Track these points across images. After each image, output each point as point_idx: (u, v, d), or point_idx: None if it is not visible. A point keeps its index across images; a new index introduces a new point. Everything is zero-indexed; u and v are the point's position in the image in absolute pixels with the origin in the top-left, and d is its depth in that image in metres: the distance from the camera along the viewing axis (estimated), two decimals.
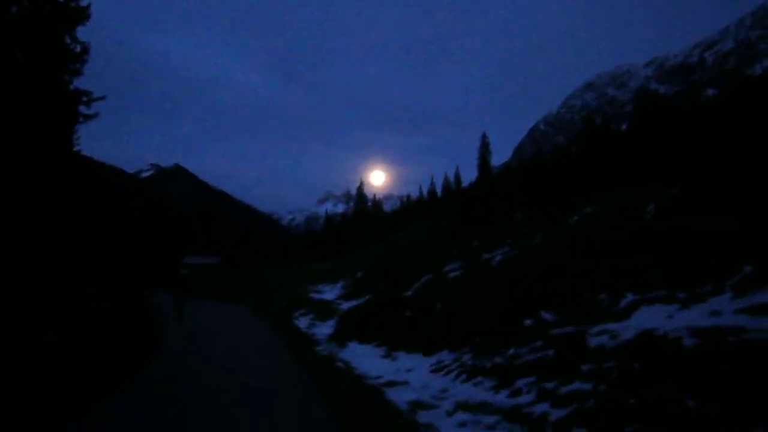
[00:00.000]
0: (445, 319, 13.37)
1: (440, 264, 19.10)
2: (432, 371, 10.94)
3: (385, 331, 14.80)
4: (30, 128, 18.13)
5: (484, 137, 72.52)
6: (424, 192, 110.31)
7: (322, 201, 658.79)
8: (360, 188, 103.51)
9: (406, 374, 11.05)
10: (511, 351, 9.71)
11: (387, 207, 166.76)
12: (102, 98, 22.10)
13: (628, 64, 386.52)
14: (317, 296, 33.76)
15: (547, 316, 10.70)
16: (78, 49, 20.89)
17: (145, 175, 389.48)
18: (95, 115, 22.34)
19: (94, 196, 27.66)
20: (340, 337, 16.25)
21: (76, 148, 22.75)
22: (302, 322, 21.80)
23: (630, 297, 9.89)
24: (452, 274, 15.93)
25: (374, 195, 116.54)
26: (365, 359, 12.91)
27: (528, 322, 10.91)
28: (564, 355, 8.43)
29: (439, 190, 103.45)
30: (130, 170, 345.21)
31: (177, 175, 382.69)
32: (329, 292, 36.26)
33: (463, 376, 9.71)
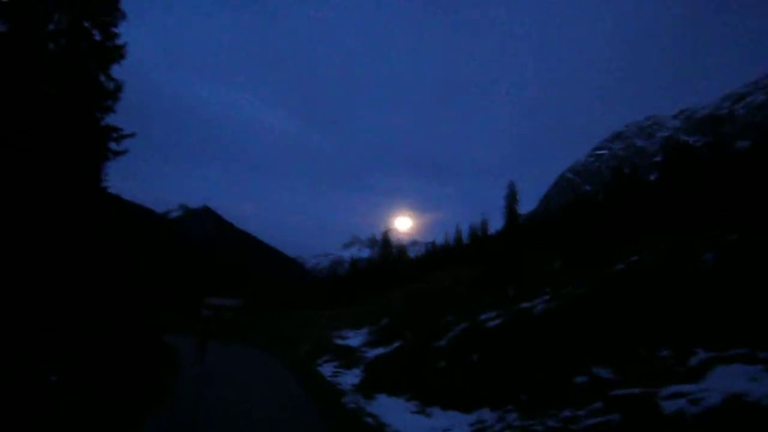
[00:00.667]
0: (483, 373, 12.23)
1: (474, 312, 17.94)
2: None
3: (417, 383, 13.65)
4: (60, 163, 17.89)
5: (511, 185, 71.44)
6: (450, 239, 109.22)
7: (347, 246, 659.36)
8: (386, 234, 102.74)
9: None
10: (566, 413, 8.54)
11: (412, 253, 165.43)
12: (132, 135, 21.89)
13: (656, 116, 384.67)
14: (341, 342, 32.59)
15: (602, 373, 9.54)
16: (112, 86, 20.89)
17: (173, 215, 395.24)
18: (124, 152, 22.10)
19: (117, 234, 27.22)
20: (367, 388, 15.09)
21: (104, 185, 22.57)
22: (326, 370, 20.67)
23: (701, 354, 8.71)
24: (490, 324, 14.77)
25: (400, 241, 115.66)
26: (396, 414, 11.71)
27: (580, 379, 9.75)
28: (633, 421, 7.27)
29: (465, 238, 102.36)
30: (160, 210, 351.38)
31: (204, 216, 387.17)
32: (353, 338, 35.05)
33: None
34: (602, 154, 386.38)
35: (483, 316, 16.20)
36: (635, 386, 8.20)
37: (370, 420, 10.87)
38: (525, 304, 16.43)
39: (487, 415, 10.48)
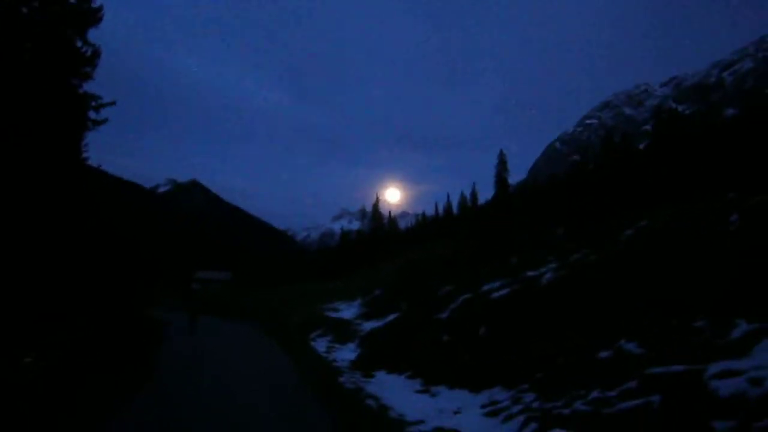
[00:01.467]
0: (492, 348, 11.25)
1: (475, 282, 16.94)
2: (486, 414, 8.75)
3: (419, 359, 12.67)
4: (35, 132, 16.73)
5: (501, 155, 70.88)
6: (440, 210, 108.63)
7: (336, 218, 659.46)
8: (376, 205, 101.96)
9: (454, 418, 8.86)
10: (595, 394, 7.53)
11: (402, 225, 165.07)
12: (112, 103, 20.82)
13: (645, 84, 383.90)
14: (334, 315, 31.72)
15: (630, 347, 8.57)
16: (89, 52, 19.70)
17: (161, 190, 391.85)
18: (104, 121, 21.05)
19: (101, 208, 25.99)
20: (365, 365, 14.10)
21: (84, 156, 21.37)
22: (320, 345, 19.67)
23: (743, 325, 7.74)
24: (495, 295, 13.73)
25: (390, 212, 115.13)
26: (398, 394, 10.70)
27: (604, 354, 8.78)
28: (678, 404, 6.29)
29: (455, 209, 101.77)
30: (148, 185, 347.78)
31: (193, 190, 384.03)
32: (346, 311, 34.21)
33: (534, 426, 7.50)
34: (591, 123, 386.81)
35: (486, 286, 15.20)
36: (675, 363, 7.19)
37: (371, 402, 9.85)
38: (530, 273, 15.46)
39: (499, 395, 9.50)
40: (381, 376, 12.83)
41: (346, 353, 17.07)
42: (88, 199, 20.44)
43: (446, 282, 23.99)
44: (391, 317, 23.51)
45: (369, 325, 23.70)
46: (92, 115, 20.50)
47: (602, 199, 25.90)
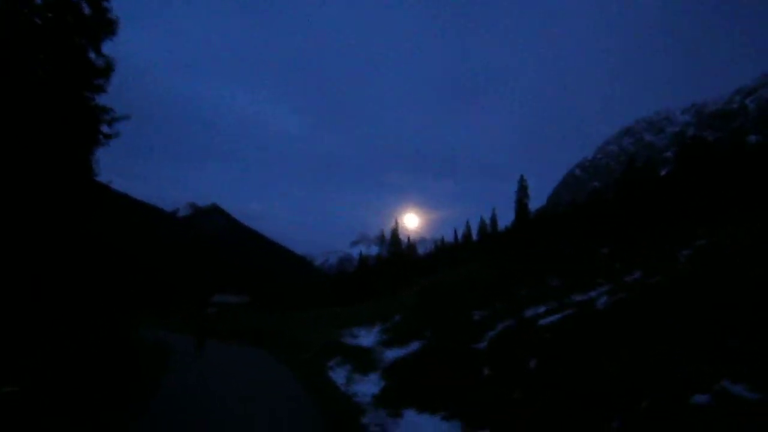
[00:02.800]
0: (546, 383, 9.32)
1: (515, 307, 15.04)
2: None
3: (456, 396, 10.72)
4: (42, 145, 15.75)
5: (522, 180, 70.10)
6: (459, 235, 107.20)
7: (355, 243, 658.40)
8: (395, 230, 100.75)
9: None
10: None
11: (420, 250, 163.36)
12: (127, 117, 19.94)
13: (666, 110, 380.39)
14: (353, 341, 29.87)
15: (739, 390, 6.68)
16: (102, 64, 18.79)
17: (182, 214, 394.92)
18: (116, 135, 20.04)
19: (109, 228, 24.65)
20: (391, 401, 12.15)
21: (95, 173, 20.25)
22: (338, 375, 17.74)
23: None
24: (543, 321, 11.78)
25: (408, 238, 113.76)
26: None
27: (702, 398, 6.90)
28: None
29: (474, 234, 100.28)
30: (169, 209, 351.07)
31: (213, 214, 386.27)
32: (366, 337, 32.35)
33: None
34: (611, 150, 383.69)
35: (529, 312, 13.32)
36: None
37: None
38: (578, 297, 13.58)
39: None
40: (410, 416, 10.88)
41: (368, 386, 15.15)
42: (89, 217, 19.07)
43: (476, 307, 22.10)
44: (416, 345, 21.63)
45: (391, 354, 21.85)
46: (105, 128, 19.66)
47: (647, 219, 23.98)
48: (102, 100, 19.34)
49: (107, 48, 18.99)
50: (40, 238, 14.92)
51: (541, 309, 13.05)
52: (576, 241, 26.30)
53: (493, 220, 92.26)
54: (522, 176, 70.56)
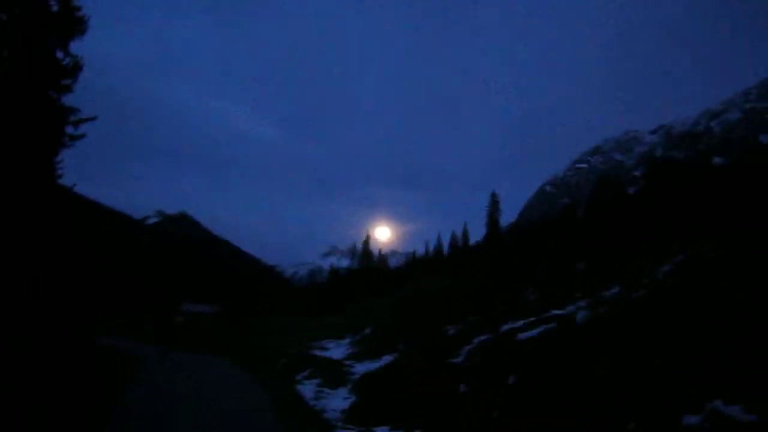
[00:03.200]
0: (527, 401, 8.86)
1: (492, 321, 14.64)
2: None
3: (431, 413, 10.20)
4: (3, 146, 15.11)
5: (493, 195, 70.98)
6: (431, 249, 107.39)
7: (326, 255, 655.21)
8: (366, 243, 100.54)
9: None
10: None
11: (392, 263, 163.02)
12: (93, 118, 19.49)
13: (634, 131, 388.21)
14: (323, 354, 29.19)
15: (732, 411, 6.32)
16: (69, 63, 18.21)
17: (151, 221, 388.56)
18: (82, 136, 19.51)
19: (74, 233, 23.70)
20: (361, 417, 11.55)
21: (58, 175, 19.45)
22: (308, 389, 17.02)
23: None
24: (523, 336, 11.35)
25: (380, 250, 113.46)
26: None
27: (691, 420, 6.53)
28: None
29: (446, 248, 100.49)
30: (138, 216, 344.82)
31: (182, 222, 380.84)
32: (336, 349, 31.71)
33: None
34: (581, 167, 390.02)
35: (506, 326, 12.92)
36: None
37: None
38: (556, 311, 13.24)
39: None
40: None
41: (338, 401, 14.52)
42: (50, 220, 18.21)
43: (451, 321, 21.68)
44: (388, 359, 21.09)
45: (362, 368, 21.25)
46: (70, 130, 18.95)
47: (619, 235, 23.96)
48: (68, 100, 18.68)
49: (75, 47, 18.38)
50: None
51: (519, 323, 12.67)
52: (550, 256, 26.16)
53: (465, 234, 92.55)
54: (494, 192, 71.34)
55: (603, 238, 25.48)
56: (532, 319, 12.63)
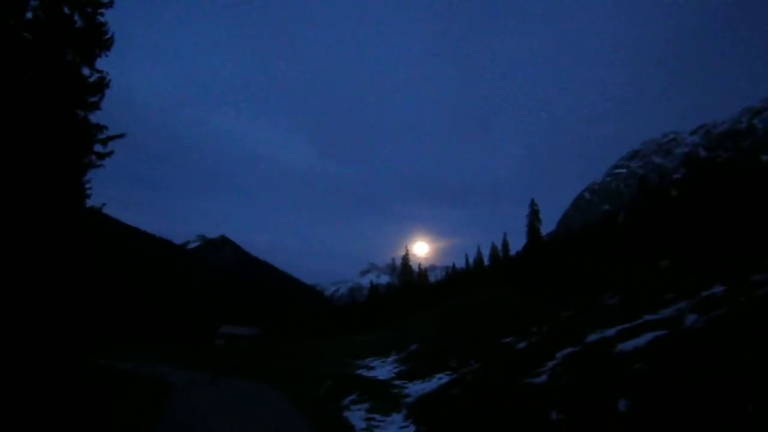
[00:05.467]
0: None
1: (572, 330, 12.40)
2: None
3: None
4: (31, 167, 14.08)
5: (533, 204, 69.24)
6: (471, 261, 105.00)
7: (365, 272, 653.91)
8: (405, 258, 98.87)
9: None
10: None
11: (431, 277, 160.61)
12: (120, 136, 18.53)
13: (674, 132, 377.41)
14: (368, 374, 27.21)
15: None
16: (95, 80, 17.32)
17: (192, 245, 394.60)
18: (110, 153, 18.46)
19: (101, 255, 22.58)
20: None
21: (88, 196, 18.39)
22: (356, 417, 14.89)
23: None
24: (624, 347, 9.04)
25: (419, 265, 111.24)
26: None
27: None
28: None
29: (486, 259, 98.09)
30: (179, 242, 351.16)
31: (223, 246, 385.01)
32: (381, 368, 29.68)
33: None
34: (620, 172, 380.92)
35: (593, 336, 10.69)
36: None
37: None
38: (650, 316, 10.97)
39: None
40: None
41: (393, 431, 12.43)
42: (75, 242, 17.01)
43: (508, 333, 19.47)
44: (443, 378, 18.93)
45: (414, 388, 19.14)
46: (98, 148, 17.96)
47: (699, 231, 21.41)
48: (96, 118, 17.88)
49: (102, 64, 17.61)
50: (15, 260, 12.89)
51: (610, 332, 10.40)
52: (622, 257, 23.65)
53: (505, 245, 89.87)
54: (533, 200, 69.44)
55: (683, 235, 22.86)
56: (625, 326, 10.37)
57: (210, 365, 26.21)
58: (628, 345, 8.81)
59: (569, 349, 10.65)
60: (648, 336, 8.78)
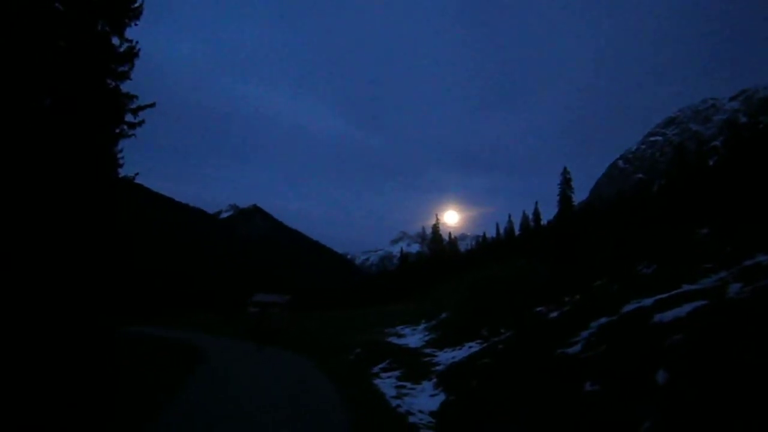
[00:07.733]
0: (689, 406, 6.42)
1: (607, 300, 12.10)
2: None
3: (549, 419, 7.95)
4: (62, 137, 14.23)
5: (565, 172, 66.61)
6: (501, 230, 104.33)
7: (396, 241, 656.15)
8: (435, 227, 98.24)
9: None
10: None
11: (462, 247, 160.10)
12: (152, 105, 18.56)
13: (713, 99, 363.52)
14: (398, 341, 27.33)
15: None
16: (125, 49, 17.31)
17: (224, 215, 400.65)
18: (141, 123, 18.51)
19: (134, 224, 23.05)
20: (458, 423, 9.43)
21: (120, 165, 18.53)
22: (386, 385, 14.91)
23: None
24: (662, 317, 8.76)
25: (450, 234, 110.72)
26: None
27: None
28: None
29: (517, 229, 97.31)
30: (211, 211, 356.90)
31: (254, 215, 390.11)
32: (411, 336, 29.80)
33: None
34: (655, 140, 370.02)
35: (630, 306, 10.39)
36: None
37: None
38: (689, 286, 10.60)
39: None
40: None
41: (424, 399, 12.36)
42: (108, 212, 17.20)
43: (539, 303, 19.21)
44: (474, 346, 18.87)
45: (445, 357, 19.13)
46: (129, 117, 18.01)
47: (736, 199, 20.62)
48: (126, 87, 17.91)
49: (131, 33, 17.59)
50: (49, 233, 13.04)
51: (647, 301, 10.07)
52: (656, 225, 23.00)
53: (536, 214, 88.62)
54: (565, 168, 67.01)
55: (721, 203, 22.05)
56: (663, 295, 10.03)
57: (254, 335, 28.48)
58: (668, 315, 8.49)
59: (604, 319, 10.37)
60: (688, 306, 8.44)
